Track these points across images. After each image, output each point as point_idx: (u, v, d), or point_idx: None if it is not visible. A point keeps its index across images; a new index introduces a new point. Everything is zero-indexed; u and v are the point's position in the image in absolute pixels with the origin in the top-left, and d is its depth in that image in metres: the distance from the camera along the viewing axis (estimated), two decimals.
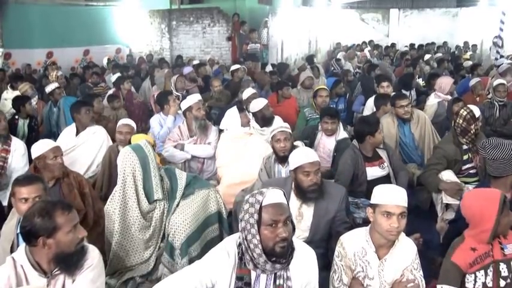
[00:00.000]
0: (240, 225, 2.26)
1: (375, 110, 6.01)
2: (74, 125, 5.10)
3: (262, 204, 2.21)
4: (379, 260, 2.69)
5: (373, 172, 4.29)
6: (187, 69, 9.14)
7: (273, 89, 8.05)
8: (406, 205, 2.64)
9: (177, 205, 3.44)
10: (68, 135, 5.03)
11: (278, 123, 5.09)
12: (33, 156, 3.69)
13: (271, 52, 13.41)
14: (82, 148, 4.81)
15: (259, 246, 2.19)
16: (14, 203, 2.89)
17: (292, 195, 3.34)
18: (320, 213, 3.29)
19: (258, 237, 2.19)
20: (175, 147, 5.14)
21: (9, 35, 10.71)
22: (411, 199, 4.44)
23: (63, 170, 3.69)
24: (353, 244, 2.74)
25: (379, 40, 18.65)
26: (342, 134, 5.10)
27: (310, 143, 5.18)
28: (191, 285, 2.24)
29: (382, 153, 4.37)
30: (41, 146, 3.68)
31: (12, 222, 2.36)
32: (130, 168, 3.32)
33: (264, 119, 5.44)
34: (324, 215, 3.28)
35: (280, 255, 2.21)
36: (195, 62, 11.79)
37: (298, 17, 15.27)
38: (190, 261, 3.21)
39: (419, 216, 4.31)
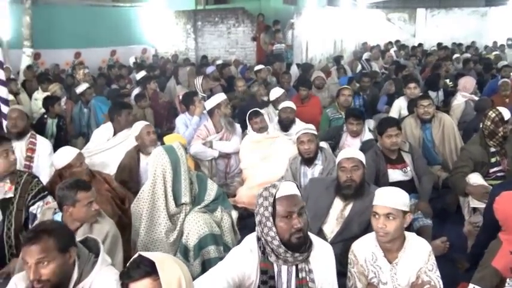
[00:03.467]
0: (256, 219, 2.29)
1: (402, 112, 5.97)
2: (109, 125, 5.14)
3: (276, 197, 2.23)
4: (390, 264, 2.66)
5: (395, 175, 4.22)
6: (210, 69, 9.19)
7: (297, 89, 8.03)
8: (397, 207, 2.57)
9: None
10: (104, 135, 5.07)
11: (300, 125, 5.06)
12: (59, 166, 3.62)
13: (296, 52, 13.39)
14: (117, 149, 4.83)
15: (277, 238, 2.22)
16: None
17: (337, 196, 3.37)
18: (355, 212, 3.28)
19: (274, 229, 2.22)
20: (204, 144, 5.19)
21: (39, 36, 10.91)
22: (437, 202, 4.45)
23: (88, 174, 3.67)
24: (363, 250, 2.73)
25: (406, 40, 18.46)
26: (367, 135, 5.07)
27: (335, 144, 5.16)
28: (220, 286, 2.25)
29: (407, 157, 4.27)
30: (66, 155, 3.61)
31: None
32: (161, 169, 3.32)
33: (281, 123, 5.49)
34: (360, 215, 3.25)
35: (297, 246, 2.24)
36: (219, 62, 11.85)
37: (323, 17, 15.21)
38: (204, 264, 3.25)
39: (445, 220, 4.26)
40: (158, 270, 1.79)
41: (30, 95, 7.89)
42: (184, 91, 7.17)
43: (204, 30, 14.54)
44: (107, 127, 5.17)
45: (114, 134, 5.04)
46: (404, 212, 2.60)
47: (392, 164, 4.25)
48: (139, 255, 1.87)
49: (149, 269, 1.80)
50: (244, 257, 2.33)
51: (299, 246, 2.24)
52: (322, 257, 2.36)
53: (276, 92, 6.45)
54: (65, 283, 2.20)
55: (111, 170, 4.57)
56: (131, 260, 1.88)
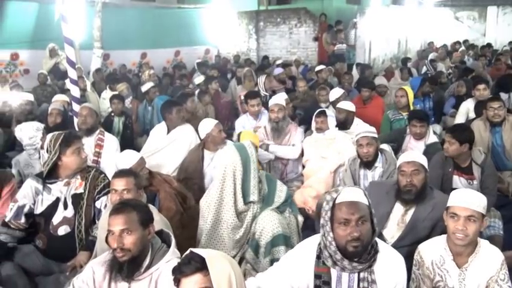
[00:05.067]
0: (320, 221, 2.28)
1: (469, 114, 5.72)
2: (163, 123, 5.22)
3: (336, 202, 2.21)
4: (459, 268, 2.56)
5: (459, 183, 4.02)
6: (277, 70, 9.19)
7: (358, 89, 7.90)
8: (478, 210, 2.48)
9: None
10: (158, 134, 5.17)
11: (361, 126, 4.96)
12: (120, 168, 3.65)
13: (359, 53, 13.17)
14: (172, 147, 4.93)
15: (333, 243, 2.20)
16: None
17: (397, 201, 3.30)
18: (418, 218, 3.19)
19: (331, 234, 2.20)
20: (260, 146, 5.15)
21: (108, 37, 11.38)
22: (506, 210, 4.22)
23: (147, 178, 3.74)
24: (431, 252, 2.65)
25: (475, 40, 17.64)
26: (432, 137, 4.89)
27: (398, 147, 5.02)
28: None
29: (476, 170, 4.00)
30: (129, 160, 3.64)
31: (108, 213, 2.53)
32: (231, 167, 3.38)
33: (338, 122, 5.38)
34: (423, 220, 3.16)
35: (352, 254, 2.19)
36: (279, 61, 11.85)
37: (387, 16, 14.85)
38: (272, 262, 3.24)
39: None
40: (208, 266, 1.83)
41: (99, 95, 8.27)
42: (245, 91, 7.23)
43: (266, 30, 14.61)
44: (161, 126, 5.25)
45: (168, 132, 5.11)
46: (483, 216, 2.52)
47: (460, 171, 4.05)
48: (191, 252, 1.92)
49: (200, 265, 1.85)
50: (299, 260, 2.33)
51: (355, 255, 2.20)
52: (389, 269, 2.28)
53: (335, 93, 6.38)
54: (139, 262, 2.36)
55: (168, 170, 4.65)
56: (183, 256, 1.94)
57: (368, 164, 4.11)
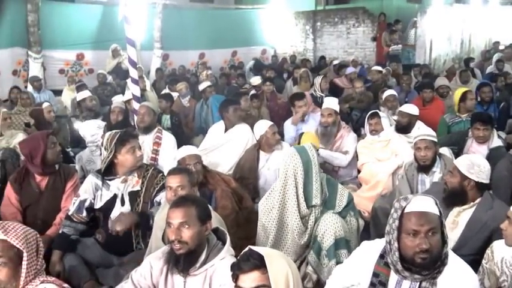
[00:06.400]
0: (386, 226, 2.21)
1: None
2: (222, 122, 5.28)
3: (405, 211, 2.12)
4: None
5: None
6: (350, 69, 9.05)
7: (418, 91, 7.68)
8: None
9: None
10: (216, 133, 5.24)
11: (422, 129, 4.79)
12: (177, 159, 3.92)
13: (419, 53, 12.80)
14: (228, 146, 4.97)
15: (397, 253, 2.12)
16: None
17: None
18: (475, 225, 3.06)
19: (396, 244, 2.12)
20: None
21: (167, 38, 11.66)
22: None
23: (203, 174, 3.81)
24: (503, 250, 2.54)
25: None
26: (496, 141, 4.65)
27: (459, 150, 4.82)
28: None
29: None
30: (186, 150, 3.90)
31: (164, 211, 2.58)
32: (292, 170, 3.31)
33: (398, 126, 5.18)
34: (480, 228, 3.04)
35: (419, 266, 2.09)
36: (336, 62, 11.71)
37: (450, 15, 14.34)
38: (337, 264, 3.19)
39: None
40: (266, 264, 1.84)
41: (158, 94, 8.49)
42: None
43: (323, 30, 14.50)
44: (219, 125, 5.32)
45: (225, 130, 5.16)
46: None
47: None
48: (250, 249, 1.93)
49: (258, 263, 1.85)
50: (361, 256, 2.32)
51: (423, 267, 2.10)
52: (455, 284, 2.13)
53: (385, 93, 6.28)
54: (195, 256, 2.40)
55: (224, 168, 4.70)
56: (242, 252, 1.94)
57: (425, 169, 3.98)
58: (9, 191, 3.72)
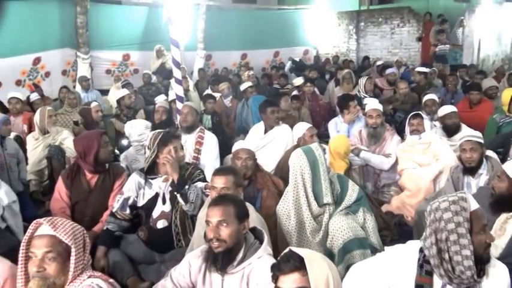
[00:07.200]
0: (432, 236, 2.11)
1: None
2: (262, 123, 5.31)
3: (471, 210, 2.09)
4: None
5: None
6: (390, 70, 8.94)
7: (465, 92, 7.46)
8: None
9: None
10: (256, 134, 5.27)
11: (465, 131, 4.66)
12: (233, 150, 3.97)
13: (466, 53, 12.44)
14: (269, 147, 5.00)
15: (472, 257, 2.03)
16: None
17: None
18: None
19: (471, 247, 2.04)
20: (352, 151, 4.98)
21: (210, 38, 11.79)
22: None
23: (253, 172, 3.84)
24: None
25: None
26: None
27: (505, 153, 4.66)
28: None
29: None
30: (238, 144, 3.97)
31: (206, 210, 2.63)
32: (299, 170, 3.38)
33: (445, 129, 5.06)
34: None
35: (487, 261, 2.10)
36: (379, 62, 11.52)
37: (500, 14, 13.85)
38: (348, 269, 3.17)
39: None
40: (307, 266, 1.83)
41: (201, 94, 8.61)
42: (343, 93, 7.12)
43: (366, 30, 14.32)
44: (259, 126, 5.35)
45: (265, 132, 5.18)
46: None
47: None
48: (290, 250, 1.93)
49: (298, 264, 1.85)
50: (399, 268, 2.24)
51: (489, 261, 2.11)
52: (497, 283, 2.14)
53: (425, 97, 6.10)
54: (233, 255, 2.42)
55: (265, 169, 4.70)
56: (282, 253, 1.94)
57: (471, 171, 3.87)
58: (60, 186, 3.82)
